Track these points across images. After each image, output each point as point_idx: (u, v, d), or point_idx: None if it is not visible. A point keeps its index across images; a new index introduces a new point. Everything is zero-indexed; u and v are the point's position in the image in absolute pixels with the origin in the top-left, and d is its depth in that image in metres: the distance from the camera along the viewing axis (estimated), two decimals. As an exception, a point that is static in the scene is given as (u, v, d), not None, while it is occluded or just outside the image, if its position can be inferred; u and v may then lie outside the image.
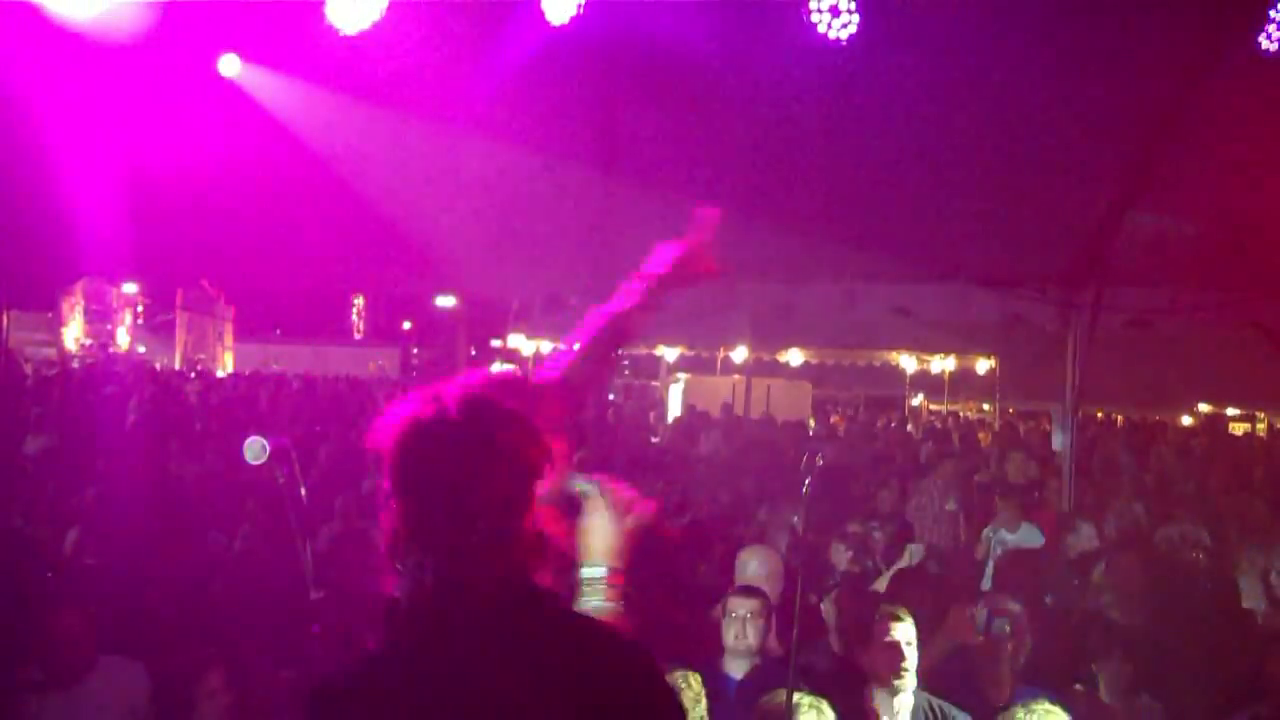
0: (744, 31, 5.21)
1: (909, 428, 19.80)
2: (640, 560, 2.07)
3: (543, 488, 1.93)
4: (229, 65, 4.95)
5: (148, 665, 4.77)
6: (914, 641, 4.34)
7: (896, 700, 4.29)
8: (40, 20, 4.53)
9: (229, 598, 6.27)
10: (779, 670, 4.36)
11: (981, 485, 10.96)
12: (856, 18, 4.67)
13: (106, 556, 6.75)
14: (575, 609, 1.97)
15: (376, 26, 4.76)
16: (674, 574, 6.49)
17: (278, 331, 43.06)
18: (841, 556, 7.50)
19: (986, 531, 8.83)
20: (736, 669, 4.66)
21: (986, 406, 24.66)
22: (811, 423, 19.97)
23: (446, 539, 1.85)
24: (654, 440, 16.36)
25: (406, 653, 1.85)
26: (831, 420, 21.59)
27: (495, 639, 1.82)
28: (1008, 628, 4.44)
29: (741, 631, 4.66)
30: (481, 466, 1.88)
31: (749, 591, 4.86)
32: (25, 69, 4.68)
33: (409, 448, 1.91)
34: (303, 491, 3.24)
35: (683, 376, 21.42)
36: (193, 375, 26.25)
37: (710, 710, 4.07)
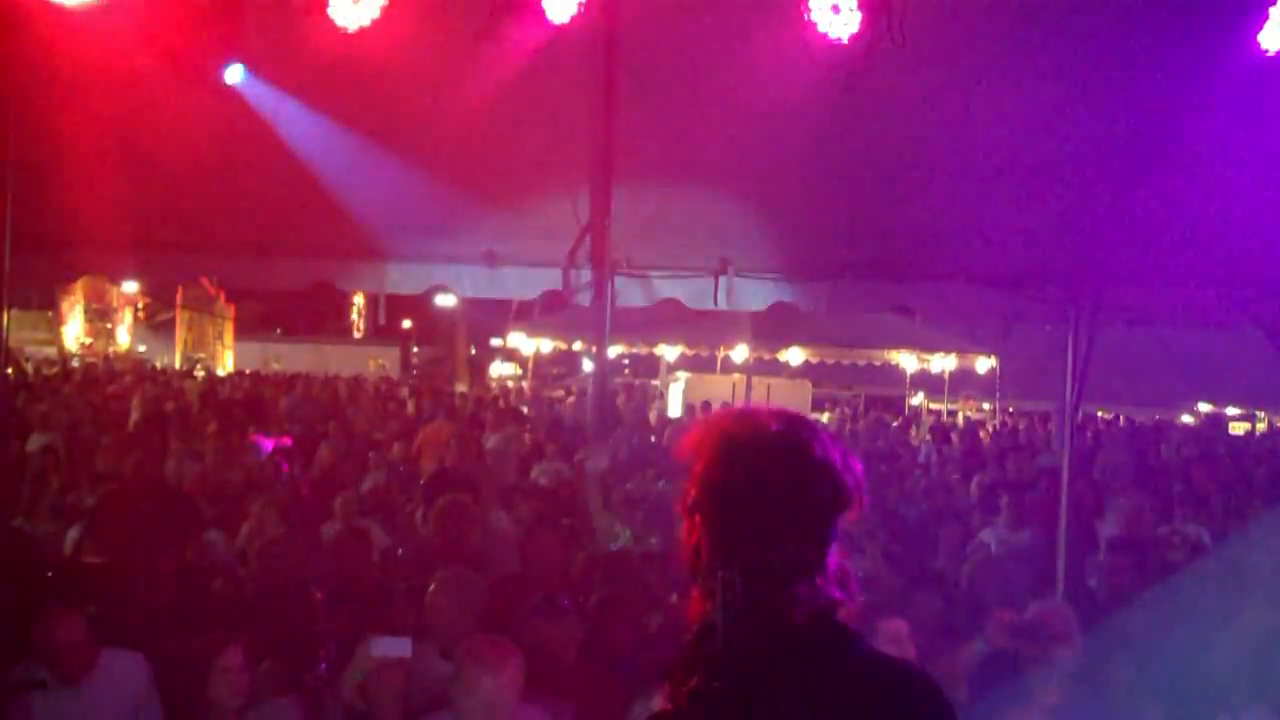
0: (743, 30, 5.20)
1: (911, 431, 19.81)
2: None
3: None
4: (234, 74, 4.96)
5: (153, 653, 4.80)
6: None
7: None
8: (40, 15, 4.53)
9: (229, 597, 6.27)
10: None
11: (982, 485, 10.98)
12: (858, 16, 4.67)
13: (107, 556, 6.74)
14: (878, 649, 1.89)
15: (375, 23, 4.76)
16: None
17: (278, 331, 43.09)
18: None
19: (985, 533, 8.83)
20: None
21: (986, 406, 24.71)
22: (825, 417, 19.99)
23: (754, 555, 1.79)
24: (654, 440, 16.36)
25: (728, 687, 1.76)
26: (826, 419, 21.61)
27: (810, 674, 1.76)
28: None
29: None
30: (795, 481, 1.81)
31: None
32: (26, 65, 4.68)
33: (723, 456, 1.85)
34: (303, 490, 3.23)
35: (683, 375, 21.43)
36: (203, 373, 26.26)
37: None
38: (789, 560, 1.79)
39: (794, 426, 1.87)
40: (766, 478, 1.81)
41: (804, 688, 1.75)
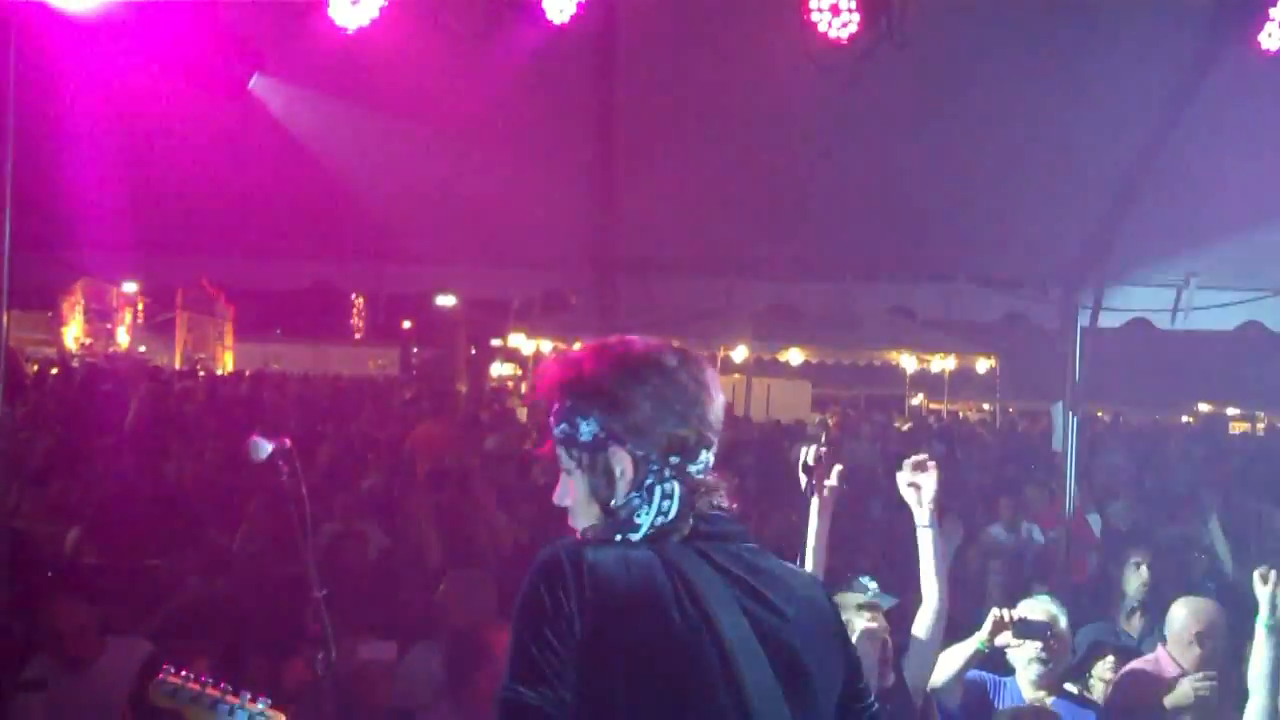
0: (743, 30, 5.21)
1: (906, 428, 19.79)
2: None
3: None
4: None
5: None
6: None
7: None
8: (42, 18, 4.54)
9: (229, 597, 6.27)
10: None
11: (982, 485, 10.99)
12: (858, 16, 4.67)
13: (107, 556, 6.74)
14: None
15: (375, 24, 4.76)
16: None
17: (278, 331, 43.03)
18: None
19: (985, 533, 8.83)
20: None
21: (986, 406, 24.72)
22: (816, 419, 19.98)
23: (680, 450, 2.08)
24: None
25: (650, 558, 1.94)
26: (829, 420, 21.58)
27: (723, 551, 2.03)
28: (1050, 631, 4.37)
29: None
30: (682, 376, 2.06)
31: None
32: (29, 68, 4.69)
33: (614, 366, 2.04)
34: (303, 490, 3.23)
35: (683, 376, 21.35)
36: (201, 374, 26.22)
37: None
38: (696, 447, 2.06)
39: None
40: (663, 365, 2.03)
41: (716, 564, 1.98)
